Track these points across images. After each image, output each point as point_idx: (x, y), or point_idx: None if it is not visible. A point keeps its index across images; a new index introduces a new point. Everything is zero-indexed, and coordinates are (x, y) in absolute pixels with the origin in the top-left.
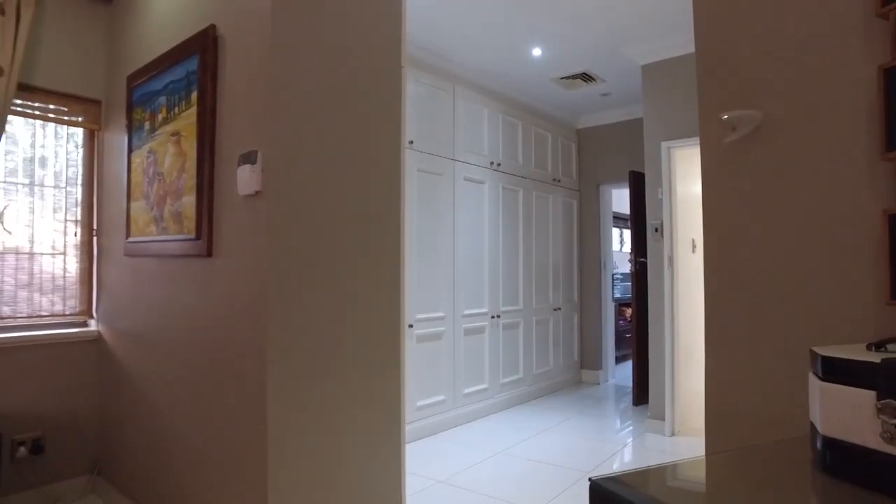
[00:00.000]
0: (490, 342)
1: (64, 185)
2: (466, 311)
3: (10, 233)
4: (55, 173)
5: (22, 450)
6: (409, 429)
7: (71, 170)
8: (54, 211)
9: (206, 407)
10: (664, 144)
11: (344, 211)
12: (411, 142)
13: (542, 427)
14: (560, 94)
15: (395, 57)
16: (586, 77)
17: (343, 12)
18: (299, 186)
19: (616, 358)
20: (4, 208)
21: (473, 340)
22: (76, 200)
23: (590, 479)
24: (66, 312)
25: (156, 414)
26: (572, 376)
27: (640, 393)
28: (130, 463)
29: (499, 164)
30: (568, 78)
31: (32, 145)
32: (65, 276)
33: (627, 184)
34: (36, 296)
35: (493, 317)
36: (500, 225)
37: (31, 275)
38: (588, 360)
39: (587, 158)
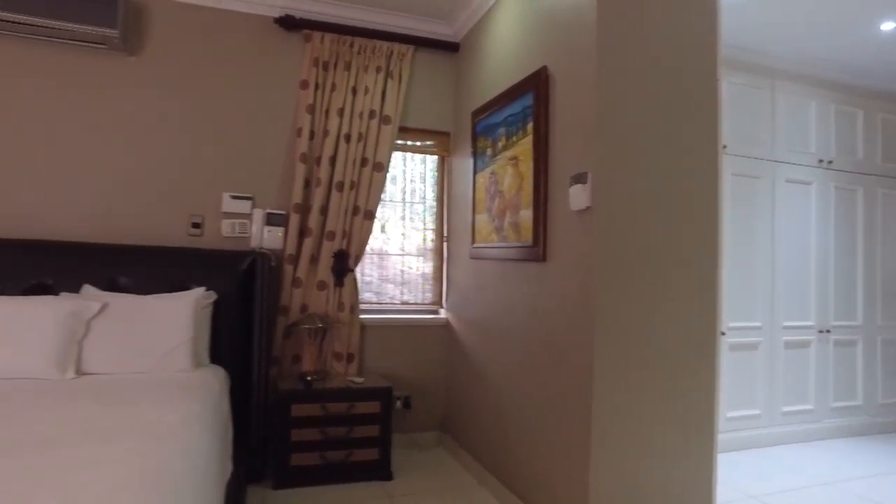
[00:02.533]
0: (816, 359)
1: (423, 201)
2: (787, 323)
3: (389, 239)
4: (417, 192)
5: (398, 403)
6: (718, 438)
7: (428, 189)
8: (416, 221)
9: (535, 387)
10: None
11: (663, 220)
12: (724, 146)
13: (891, 468)
14: None
15: (711, 67)
16: None
17: (661, 34)
18: (624, 201)
19: None
20: (386, 221)
21: (795, 355)
22: (431, 213)
23: None
24: (423, 302)
25: (491, 388)
26: None
27: None
28: (469, 425)
29: (830, 162)
30: None
31: (403, 171)
32: (423, 274)
33: None
34: (404, 287)
35: (820, 331)
36: (832, 228)
37: (402, 271)
38: None
39: None
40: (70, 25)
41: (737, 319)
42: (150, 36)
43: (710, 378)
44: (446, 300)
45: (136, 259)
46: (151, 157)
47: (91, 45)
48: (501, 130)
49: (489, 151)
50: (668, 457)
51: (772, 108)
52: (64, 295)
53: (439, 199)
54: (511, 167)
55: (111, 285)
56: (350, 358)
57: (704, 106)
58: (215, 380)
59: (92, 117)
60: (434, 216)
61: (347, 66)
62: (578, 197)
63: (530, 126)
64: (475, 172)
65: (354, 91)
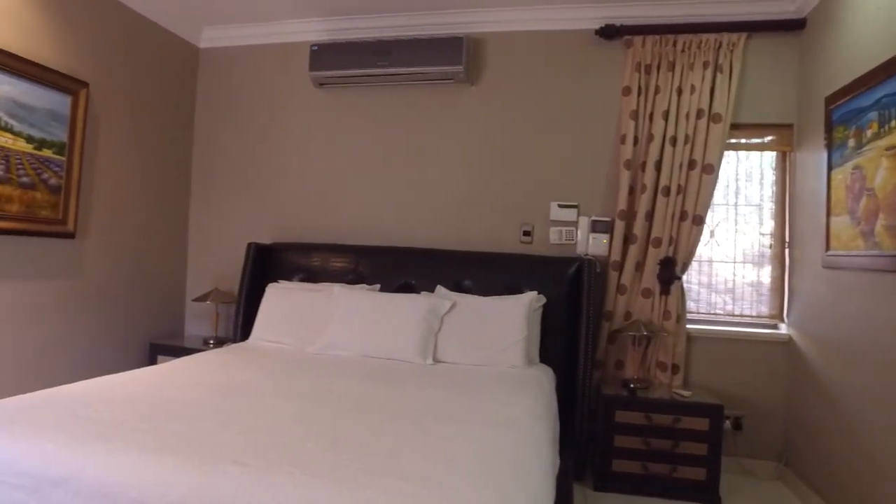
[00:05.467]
0: None
1: (758, 203)
2: None
3: (718, 245)
4: (744, 193)
5: (727, 423)
6: None
7: (764, 189)
8: (747, 225)
9: None
10: None
11: None
12: None
13: None
14: None
15: None
16: None
17: None
18: None
19: None
20: (716, 226)
21: None
22: (769, 216)
23: None
24: (759, 315)
25: (851, 421)
26: None
27: None
28: (818, 461)
29: None
30: None
31: (735, 172)
32: (754, 283)
33: None
34: (730, 297)
35: None
36: None
37: (730, 280)
38: None
39: None
40: (427, 69)
41: None
42: (486, 65)
43: None
44: (788, 314)
45: (476, 264)
46: (488, 173)
47: (440, 81)
48: (871, 115)
49: (851, 142)
50: None
51: None
52: (424, 294)
53: (779, 201)
54: (887, 159)
55: (457, 286)
56: (675, 369)
57: None
58: (545, 378)
59: (441, 142)
60: (772, 219)
61: (671, 67)
62: None
63: None
64: (830, 168)
65: (679, 91)
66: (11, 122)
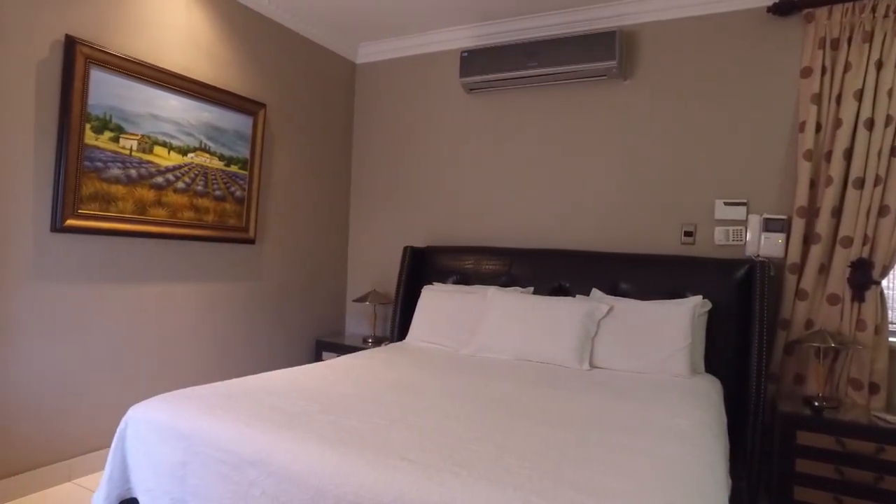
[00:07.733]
0: None
1: None
2: None
3: None
4: None
5: None
6: None
7: None
8: None
9: None
10: None
11: None
12: None
13: None
14: None
15: None
16: None
17: None
18: None
19: None
20: None
21: None
22: None
23: None
24: None
25: None
26: None
27: None
28: None
29: None
30: None
31: None
32: None
33: None
34: None
35: None
36: None
37: None
38: None
39: None
40: (578, 66)
41: None
42: (641, 58)
43: None
44: None
45: (633, 266)
46: (646, 170)
47: (592, 78)
48: None
49: None
50: None
51: None
52: (578, 297)
53: None
54: None
55: (613, 290)
56: (873, 388)
57: None
58: (713, 389)
59: (594, 140)
60: None
61: (868, 38)
62: None
63: None
64: None
65: (879, 65)
66: (209, 143)
